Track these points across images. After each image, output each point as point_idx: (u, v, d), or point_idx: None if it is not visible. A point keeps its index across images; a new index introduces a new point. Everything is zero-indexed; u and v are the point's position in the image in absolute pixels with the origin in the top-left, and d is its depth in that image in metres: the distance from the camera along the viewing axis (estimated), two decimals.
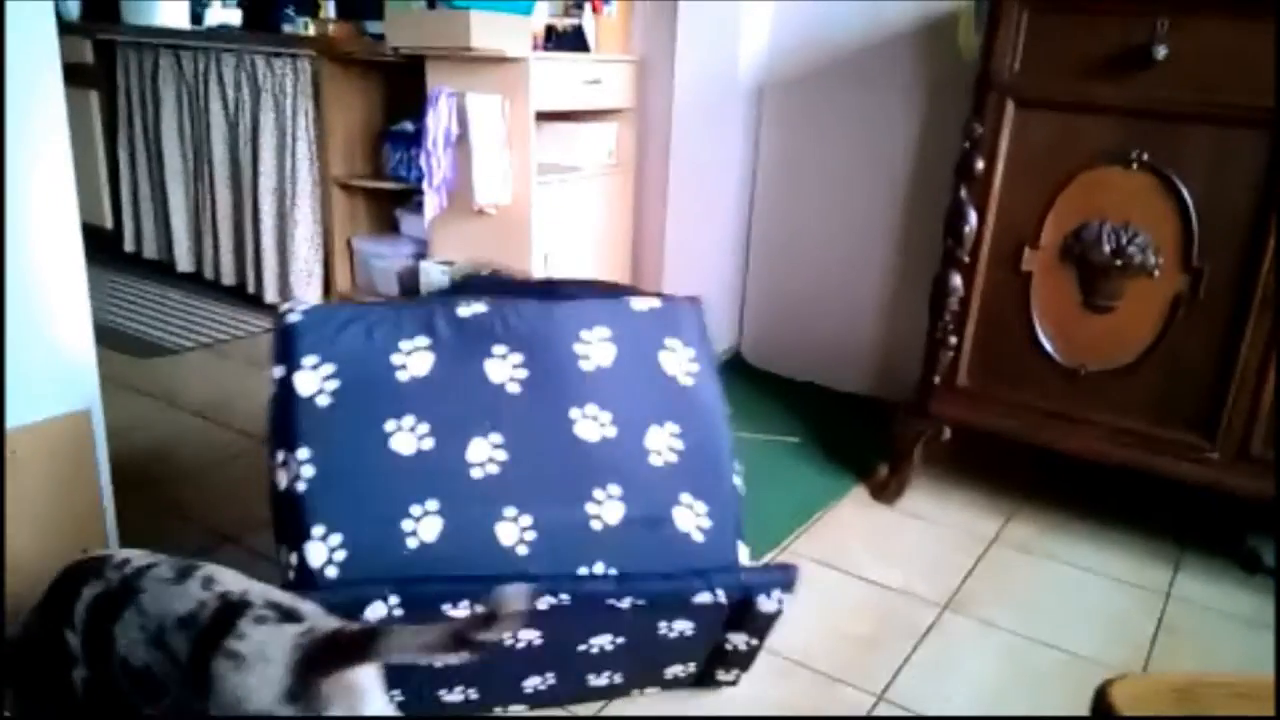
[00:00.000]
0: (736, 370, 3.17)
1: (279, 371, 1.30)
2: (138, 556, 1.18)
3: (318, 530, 1.21)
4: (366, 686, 1.01)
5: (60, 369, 1.41)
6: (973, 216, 2.10)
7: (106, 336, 3.03)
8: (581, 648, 1.35)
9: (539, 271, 2.95)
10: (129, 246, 3.97)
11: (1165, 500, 2.27)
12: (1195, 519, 2.25)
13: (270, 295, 3.51)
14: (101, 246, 3.89)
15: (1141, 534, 2.21)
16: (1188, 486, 2.01)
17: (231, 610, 1.04)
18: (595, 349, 1.42)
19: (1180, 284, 1.94)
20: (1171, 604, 1.96)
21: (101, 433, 1.49)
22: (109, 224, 4.01)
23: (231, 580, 1.11)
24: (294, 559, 1.21)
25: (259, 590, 1.09)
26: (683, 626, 1.38)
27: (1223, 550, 2.15)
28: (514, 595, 0.91)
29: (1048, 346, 2.10)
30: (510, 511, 1.28)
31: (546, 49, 2.95)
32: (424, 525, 1.24)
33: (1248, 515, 2.13)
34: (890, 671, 1.70)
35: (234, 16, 3.83)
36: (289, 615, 1.04)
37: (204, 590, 1.08)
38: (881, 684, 1.66)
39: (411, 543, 1.22)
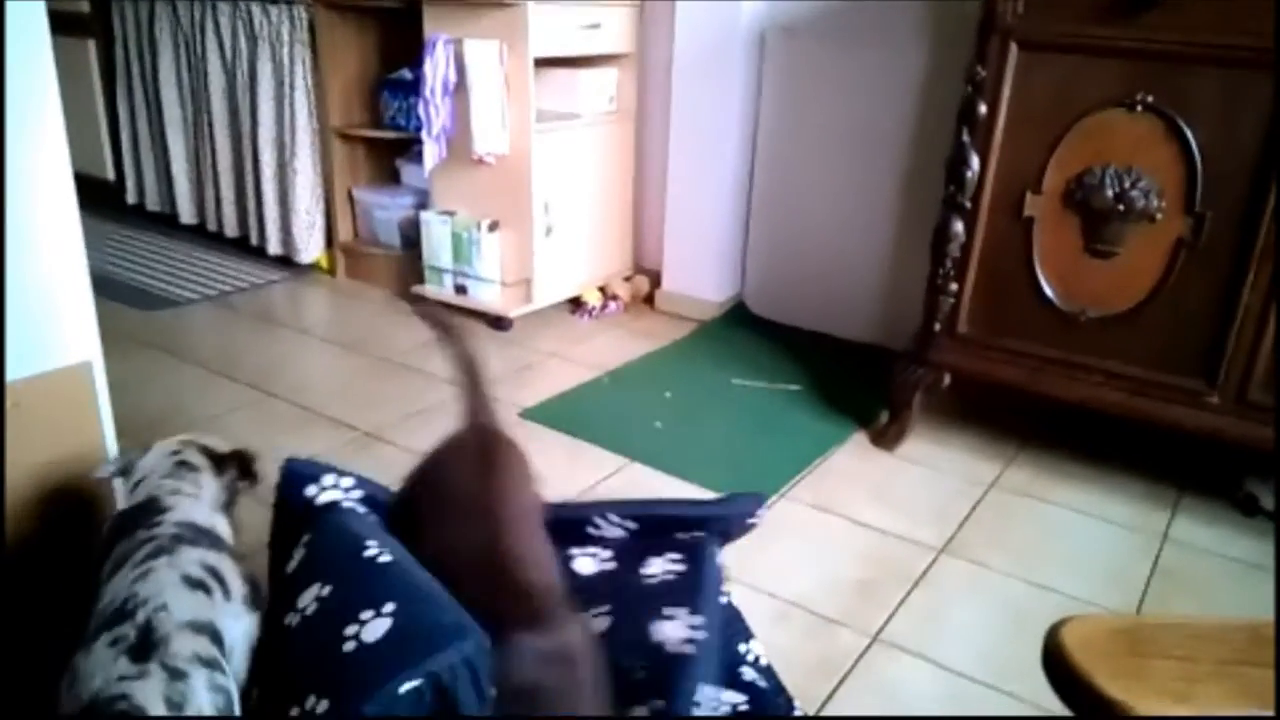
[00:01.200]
0: (739, 320, 3.17)
1: None
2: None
3: None
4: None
5: (59, 321, 1.43)
6: (975, 162, 2.08)
7: (111, 289, 3.05)
8: None
9: (539, 220, 2.94)
10: (131, 199, 3.97)
11: (1163, 445, 2.28)
12: (1193, 464, 2.26)
13: (273, 247, 3.51)
14: (104, 199, 3.89)
15: (1139, 479, 2.22)
16: (1186, 432, 2.02)
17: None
18: None
19: (1182, 229, 1.92)
20: (1168, 547, 1.98)
21: (103, 384, 1.51)
22: (110, 175, 4.00)
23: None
24: None
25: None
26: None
27: (1220, 494, 2.16)
28: None
29: (1049, 293, 2.09)
30: None
31: None
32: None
33: (1246, 459, 2.14)
34: (886, 614, 1.73)
35: None
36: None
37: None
38: (877, 626, 1.69)
39: None
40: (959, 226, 2.13)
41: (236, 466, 1.42)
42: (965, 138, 2.08)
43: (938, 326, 2.22)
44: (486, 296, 3.06)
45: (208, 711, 0.94)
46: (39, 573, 1.42)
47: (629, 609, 1.26)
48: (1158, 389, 2.01)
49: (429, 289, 3.17)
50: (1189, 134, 1.87)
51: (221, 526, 1.28)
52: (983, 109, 2.05)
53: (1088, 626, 0.50)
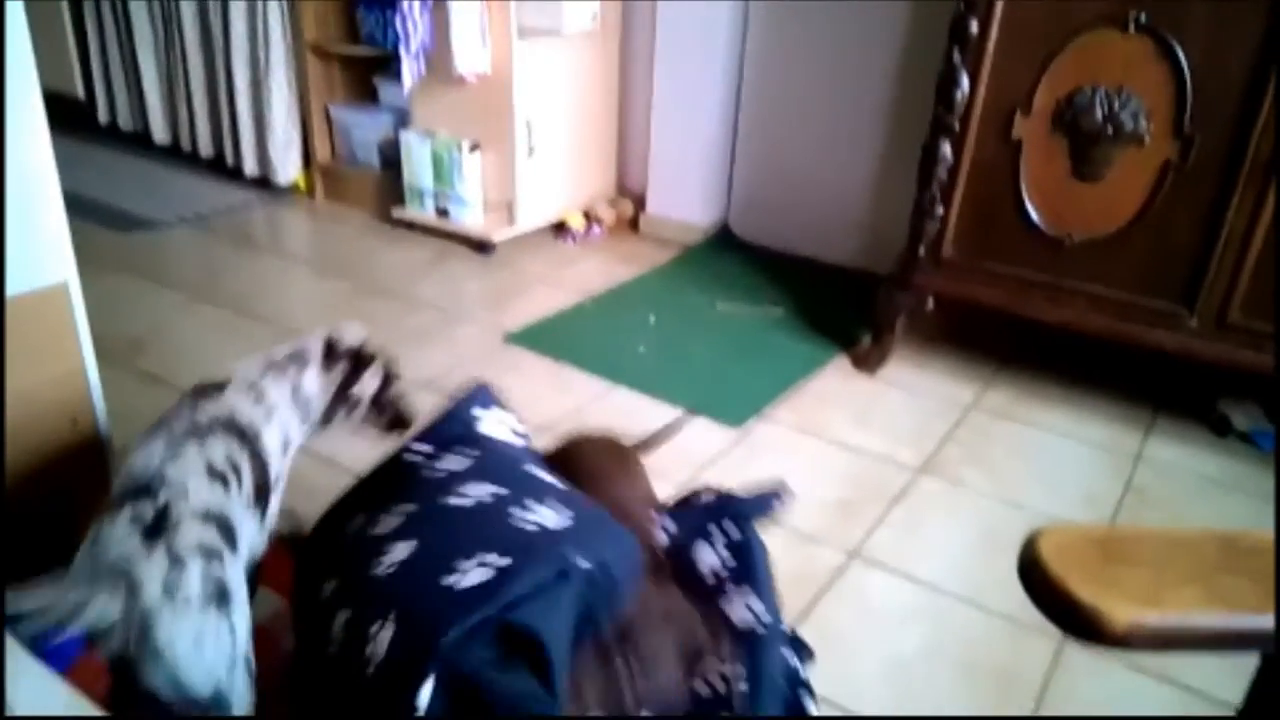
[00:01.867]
0: (723, 243, 3.15)
1: None
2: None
3: None
4: None
5: (34, 241, 1.40)
6: (965, 81, 2.05)
7: (85, 210, 2.99)
8: None
9: (521, 140, 2.89)
10: (103, 118, 3.87)
11: (1140, 368, 2.31)
12: (1168, 386, 2.29)
13: (250, 167, 3.44)
14: (75, 118, 3.79)
15: (1116, 400, 2.26)
16: (1165, 355, 2.04)
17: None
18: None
19: (1170, 151, 1.91)
20: (1141, 466, 2.02)
21: (80, 306, 1.49)
22: (80, 93, 3.89)
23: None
24: None
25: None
26: None
27: (1194, 416, 2.20)
28: None
29: (1034, 217, 2.09)
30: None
31: None
32: None
33: (1220, 381, 2.17)
34: (865, 531, 1.77)
35: None
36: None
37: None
38: (855, 543, 1.73)
39: None
40: (947, 149, 2.11)
41: (350, 363, 1.38)
42: (956, 57, 2.05)
43: (922, 250, 2.22)
44: (469, 219, 3.02)
45: (195, 598, 1.00)
46: (20, 499, 1.43)
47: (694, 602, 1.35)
48: (1139, 312, 2.03)
49: (410, 211, 3.13)
50: (1181, 55, 1.85)
51: (261, 422, 1.26)
52: (974, 27, 2.01)
53: (1063, 536, 0.52)
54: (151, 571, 0.99)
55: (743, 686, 1.16)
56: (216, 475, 1.13)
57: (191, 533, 1.04)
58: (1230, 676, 1.41)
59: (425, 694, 0.90)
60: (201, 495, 1.09)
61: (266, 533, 1.23)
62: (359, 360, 1.39)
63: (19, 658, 0.57)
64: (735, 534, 1.44)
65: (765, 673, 1.18)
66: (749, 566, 1.37)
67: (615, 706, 1.02)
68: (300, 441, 1.34)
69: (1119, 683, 1.45)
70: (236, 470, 1.17)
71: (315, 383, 1.35)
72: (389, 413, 1.43)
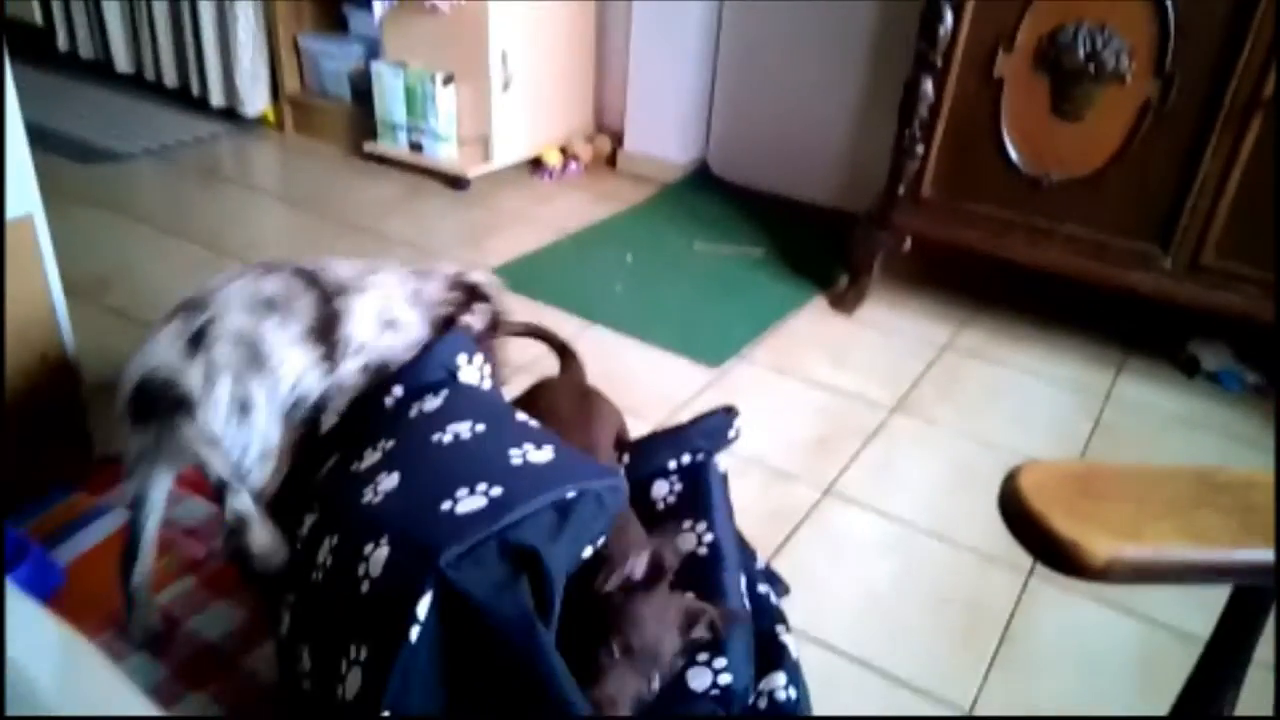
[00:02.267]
0: (702, 182, 3.12)
1: None
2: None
3: None
4: None
5: None
6: (948, 17, 2.02)
7: (46, 141, 2.90)
8: None
9: (496, 72, 2.83)
10: (63, 45, 3.72)
11: (1112, 310, 2.33)
12: (1139, 328, 2.32)
13: (216, 98, 3.35)
14: (32, 46, 3.65)
15: (1088, 341, 2.28)
16: (1138, 296, 2.07)
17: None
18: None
19: (1150, 91, 1.91)
20: (1110, 405, 2.06)
21: (47, 239, 1.45)
22: (39, 19, 3.74)
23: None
24: None
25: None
26: None
27: (1164, 356, 2.23)
28: None
29: (1014, 156, 2.08)
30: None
31: None
32: None
33: (1190, 323, 2.20)
34: (839, 469, 1.79)
35: None
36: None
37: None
38: (830, 480, 1.75)
39: None
40: (929, 86, 2.09)
41: (465, 294, 1.45)
42: None
43: (902, 189, 2.21)
44: (443, 154, 2.97)
45: (221, 413, 1.16)
46: None
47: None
48: (1115, 253, 2.04)
49: (382, 145, 3.07)
50: None
51: (352, 284, 1.33)
52: None
53: (1043, 471, 0.52)
54: (193, 378, 1.14)
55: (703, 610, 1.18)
56: (261, 304, 1.23)
57: (225, 352, 1.17)
58: (1192, 609, 1.46)
59: (424, 607, 0.91)
60: (238, 320, 1.20)
61: (336, 382, 1.31)
62: (473, 295, 1.46)
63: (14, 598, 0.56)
64: (688, 462, 1.45)
65: (718, 596, 1.20)
66: (701, 495, 1.39)
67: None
68: (420, 335, 1.38)
69: (1084, 614, 1.49)
70: (288, 305, 1.25)
71: (434, 293, 1.42)
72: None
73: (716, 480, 1.44)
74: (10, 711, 0.48)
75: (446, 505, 0.99)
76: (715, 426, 1.53)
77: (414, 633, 0.91)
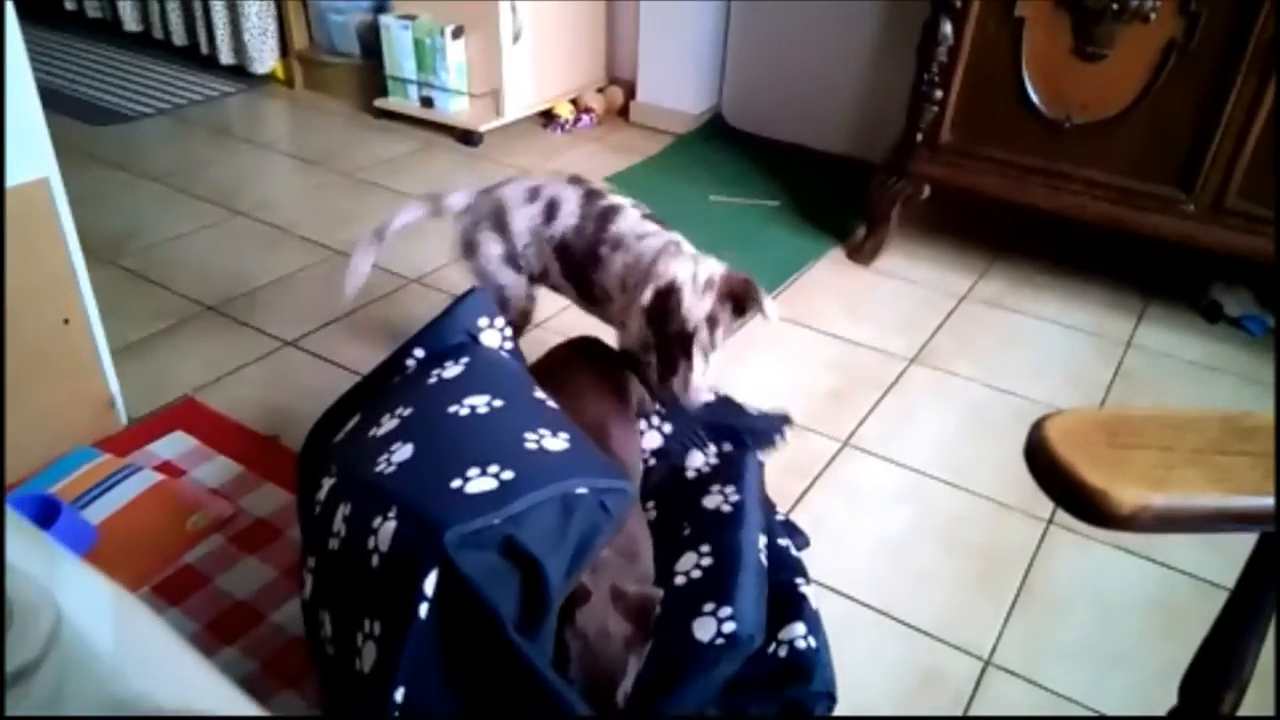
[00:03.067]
0: (717, 132, 3.08)
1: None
2: None
3: None
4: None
5: (10, 136, 1.35)
6: None
7: (57, 103, 2.89)
8: None
9: (506, 23, 2.79)
10: (69, 4, 3.70)
11: (1133, 256, 2.30)
12: (1161, 274, 2.29)
13: (225, 56, 3.32)
14: (38, 4, 3.62)
15: (1108, 288, 2.26)
16: (1160, 241, 2.04)
17: None
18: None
19: (1175, 29, 1.86)
20: (1131, 352, 2.04)
21: (63, 200, 1.46)
22: None
23: None
24: None
25: None
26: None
27: (1185, 302, 2.21)
28: None
29: (1034, 99, 2.04)
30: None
31: None
32: None
33: (1212, 267, 2.17)
34: (857, 420, 1.79)
35: None
36: None
37: None
38: (848, 431, 1.75)
39: None
40: (948, 28, 2.05)
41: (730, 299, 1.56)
42: None
43: (919, 136, 2.18)
44: (454, 109, 2.94)
45: (496, 265, 1.63)
46: (15, 401, 1.42)
47: (677, 496, 1.43)
48: (1137, 197, 2.01)
49: (393, 101, 3.04)
50: None
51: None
52: None
53: (1070, 419, 0.52)
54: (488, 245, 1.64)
55: (707, 561, 1.22)
56: (531, 196, 1.63)
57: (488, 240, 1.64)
58: (1211, 554, 1.46)
59: (430, 583, 0.92)
60: (522, 211, 1.63)
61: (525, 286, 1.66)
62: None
63: (61, 560, 0.56)
64: (729, 450, 1.49)
65: (733, 550, 1.23)
66: (735, 468, 1.44)
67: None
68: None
69: (1102, 560, 1.49)
70: (548, 202, 1.64)
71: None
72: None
73: (753, 464, 1.48)
74: (71, 669, 0.48)
75: (456, 483, 0.99)
76: (766, 428, 1.58)
77: (423, 609, 0.92)
